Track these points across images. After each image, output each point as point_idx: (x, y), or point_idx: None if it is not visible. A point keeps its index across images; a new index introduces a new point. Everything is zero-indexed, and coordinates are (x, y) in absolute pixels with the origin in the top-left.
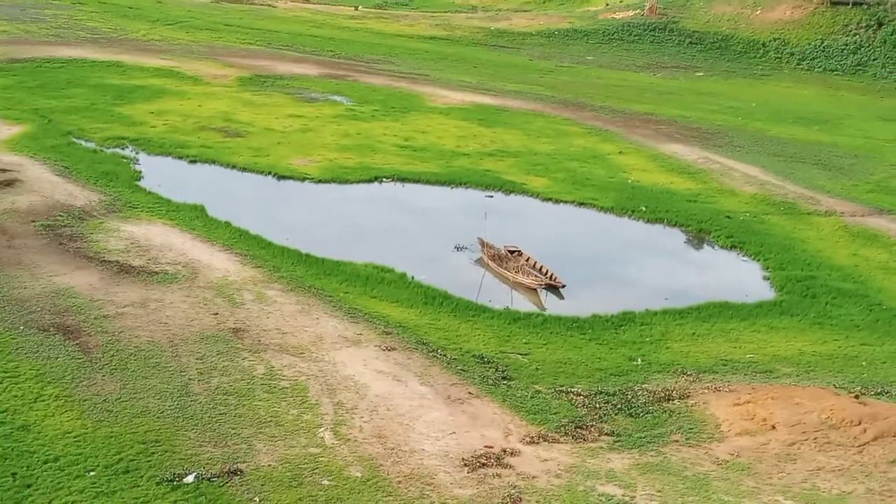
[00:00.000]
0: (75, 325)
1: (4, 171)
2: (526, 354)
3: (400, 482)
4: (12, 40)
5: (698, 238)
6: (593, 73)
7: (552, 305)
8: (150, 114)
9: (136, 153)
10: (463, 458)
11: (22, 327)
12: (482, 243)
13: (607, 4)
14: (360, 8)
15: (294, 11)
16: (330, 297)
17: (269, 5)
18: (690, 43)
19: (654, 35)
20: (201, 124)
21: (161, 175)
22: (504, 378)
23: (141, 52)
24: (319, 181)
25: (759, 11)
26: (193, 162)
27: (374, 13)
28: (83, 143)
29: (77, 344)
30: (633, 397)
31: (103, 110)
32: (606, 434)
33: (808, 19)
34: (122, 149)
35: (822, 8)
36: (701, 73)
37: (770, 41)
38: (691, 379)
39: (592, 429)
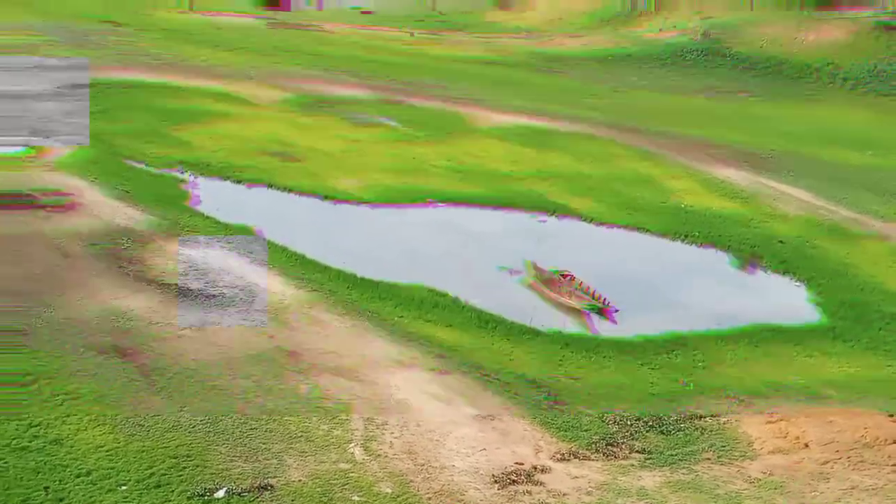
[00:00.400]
0: (134, 348)
1: (65, 194)
2: (577, 378)
3: (430, 499)
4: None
5: (749, 262)
6: (644, 96)
7: (603, 329)
8: (207, 137)
9: (194, 177)
10: (493, 475)
11: (82, 349)
12: (533, 267)
13: (660, 30)
14: (415, 34)
15: (349, 36)
16: (384, 320)
17: (326, 30)
18: (741, 66)
19: (705, 58)
20: (257, 147)
21: (218, 198)
22: (556, 403)
23: (198, 75)
24: (373, 204)
25: (810, 35)
26: (250, 185)
27: (428, 38)
28: (142, 166)
29: (136, 366)
30: (664, 415)
31: (161, 134)
32: (637, 451)
33: (860, 43)
34: (181, 172)
35: (874, 32)
36: (752, 97)
37: (822, 65)
38: (744, 405)
39: (623, 446)
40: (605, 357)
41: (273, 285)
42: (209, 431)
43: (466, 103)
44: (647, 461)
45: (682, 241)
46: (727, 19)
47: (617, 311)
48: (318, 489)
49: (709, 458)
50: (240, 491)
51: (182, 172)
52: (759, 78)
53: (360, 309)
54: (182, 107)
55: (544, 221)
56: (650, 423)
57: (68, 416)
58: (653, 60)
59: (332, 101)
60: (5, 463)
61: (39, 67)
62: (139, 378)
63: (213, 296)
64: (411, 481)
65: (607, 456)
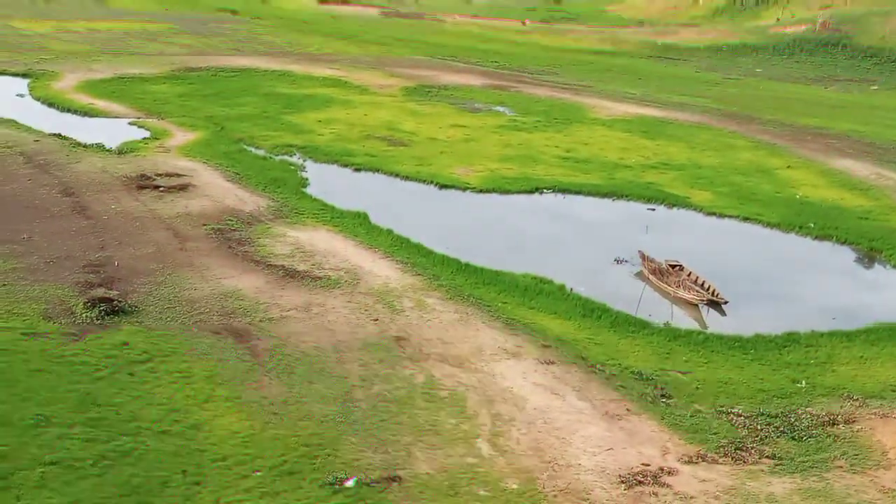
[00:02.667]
0: (243, 328)
1: (179, 175)
2: (686, 373)
3: (555, 496)
4: (192, 52)
5: (869, 257)
6: (762, 86)
7: (714, 323)
8: (317, 122)
9: (304, 160)
10: (620, 475)
11: (195, 329)
12: (643, 257)
13: (778, 19)
14: (527, 22)
15: (463, 26)
16: (488, 306)
17: (439, 20)
18: (864, 57)
19: (827, 49)
20: (367, 133)
21: (327, 182)
22: (663, 396)
23: (311, 62)
24: (480, 191)
25: None
26: (358, 170)
27: (541, 28)
28: (253, 150)
29: (247, 347)
30: (795, 420)
31: (273, 118)
32: (767, 457)
33: None
34: (291, 156)
35: None
36: (876, 87)
37: None
38: (857, 404)
39: (753, 451)
40: (714, 352)
41: (378, 269)
42: (341, 421)
43: (581, 92)
44: (777, 467)
45: (797, 233)
46: (849, 10)
47: (726, 302)
48: (446, 482)
49: (841, 467)
50: (369, 481)
51: (293, 157)
52: (884, 68)
53: (464, 294)
54: (294, 92)
55: (653, 210)
56: (781, 429)
57: (206, 401)
58: (772, 51)
59: (446, 90)
60: (147, 446)
61: (161, 54)
62: (250, 359)
63: (319, 277)
64: (537, 478)
65: (736, 460)
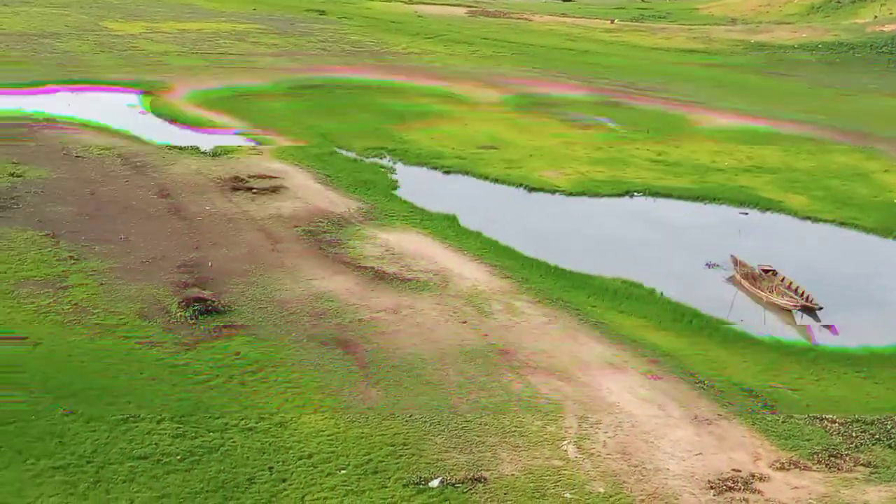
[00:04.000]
0: (334, 329)
1: (271, 178)
2: (796, 390)
3: (643, 500)
4: (282, 52)
5: None
6: (868, 100)
7: (822, 338)
8: (419, 132)
9: (394, 163)
10: (709, 481)
11: (294, 334)
12: (735, 261)
13: (875, 17)
14: (615, 21)
15: (549, 25)
16: (577, 309)
17: (525, 19)
18: None
19: None
20: (470, 145)
21: (416, 184)
22: (772, 413)
23: (413, 73)
24: (570, 194)
25: None
26: (448, 172)
27: (630, 26)
28: (344, 152)
29: (354, 357)
30: (892, 427)
31: (371, 126)
32: (863, 465)
33: None
34: (381, 158)
35: None
36: None
37: None
38: None
39: (847, 458)
40: (823, 368)
41: (467, 271)
42: (425, 422)
43: (683, 103)
44: (873, 475)
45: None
46: None
47: (821, 308)
48: (531, 484)
49: None
50: (454, 482)
51: (384, 159)
52: None
53: (553, 297)
54: (398, 103)
55: (746, 214)
56: (877, 436)
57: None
58: (870, 50)
59: (550, 102)
60: (233, 442)
61: (251, 54)
62: (355, 368)
63: (408, 279)
64: (624, 482)
65: (830, 467)
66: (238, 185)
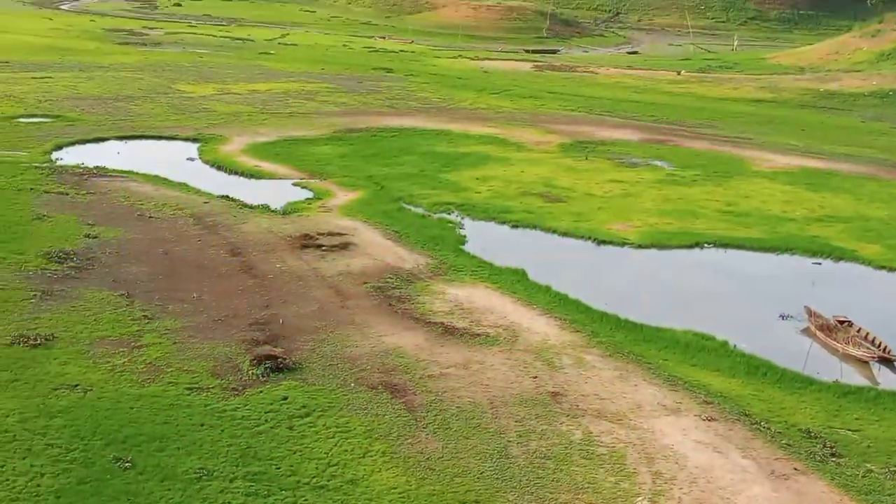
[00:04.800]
0: (402, 384)
1: (340, 234)
2: (857, 431)
3: None
4: (349, 111)
5: None
6: None
7: (886, 380)
8: (474, 180)
9: (462, 218)
10: None
11: (353, 384)
12: (809, 312)
13: None
14: (682, 72)
15: (615, 77)
16: (649, 363)
17: (591, 72)
18: None
19: None
20: (523, 190)
21: (484, 239)
22: (833, 455)
23: (467, 120)
24: (639, 246)
25: None
26: (515, 227)
27: (696, 77)
28: (412, 208)
29: (403, 402)
30: None
31: (431, 177)
32: None
33: None
34: (448, 213)
35: None
36: None
37: None
38: None
39: None
40: (886, 409)
41: (536, 325)
42: (497, 478)
43: (740, 144)
44: None
45: None
46: None
47: None
48: None
49: None
50: None
51: (451, 214)
52: None
53: (623, 351)
54: (451, 150)
55: (819, 264)
56: None
57: (363, 456)
58: None
59: (603, 144)
60: (305, 500)
61: (318, 114)
62: (406, 414)
63: (478, 334)
64: None
65: None
66: (308, 242)
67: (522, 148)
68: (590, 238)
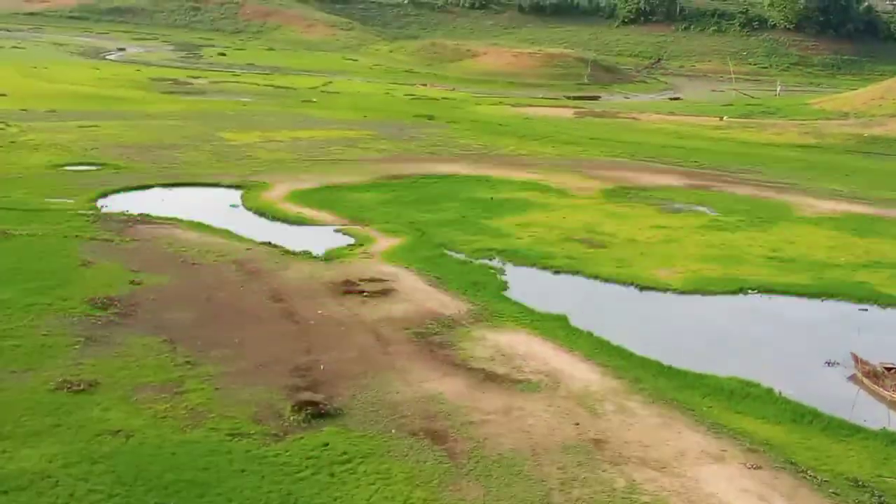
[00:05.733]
0: (443, 431)
1: (382, 280)
2: None
3: None
4: (391, 158)
5: None
6: None
7: None
8: (516, 226)
9: (503, 264)
10: None
11: (394, 430)
12: (856, 359)
13: None
14: (725, 118)
15: (657, 123)
16: (692, 410)
17: (633, 118)
18: None
19: None
20: (565, 235)
21: (526, 285)
22: None
23: (508, 166)
24: (682, 292)
25: None
26: (557, 272)
27: (739, 123)
28: (454, 254)
29: (444, 449)
30: None
31: (473, 223)
32: None
33: None
34: (490, 260)
35: None
36: None
37: None
38: None
39: None
40: None
41: (578, 372)
42: None
43: (784, 190)
44: None
45: None
46: None
47: None
48: None
49: None
50: None
51: (493, 260)
52: None
53: (666, 398)
54: (495, 196)
55: (866, 310)
56: None
57: (404, 503)
58: None
59: (645, 190)
60: None
61: (360, 160)
62: (447, 460)
63: (519, 381)
64: None
65: None
66: (349, 288)
67: (564, 194)
68: (632, 284)
